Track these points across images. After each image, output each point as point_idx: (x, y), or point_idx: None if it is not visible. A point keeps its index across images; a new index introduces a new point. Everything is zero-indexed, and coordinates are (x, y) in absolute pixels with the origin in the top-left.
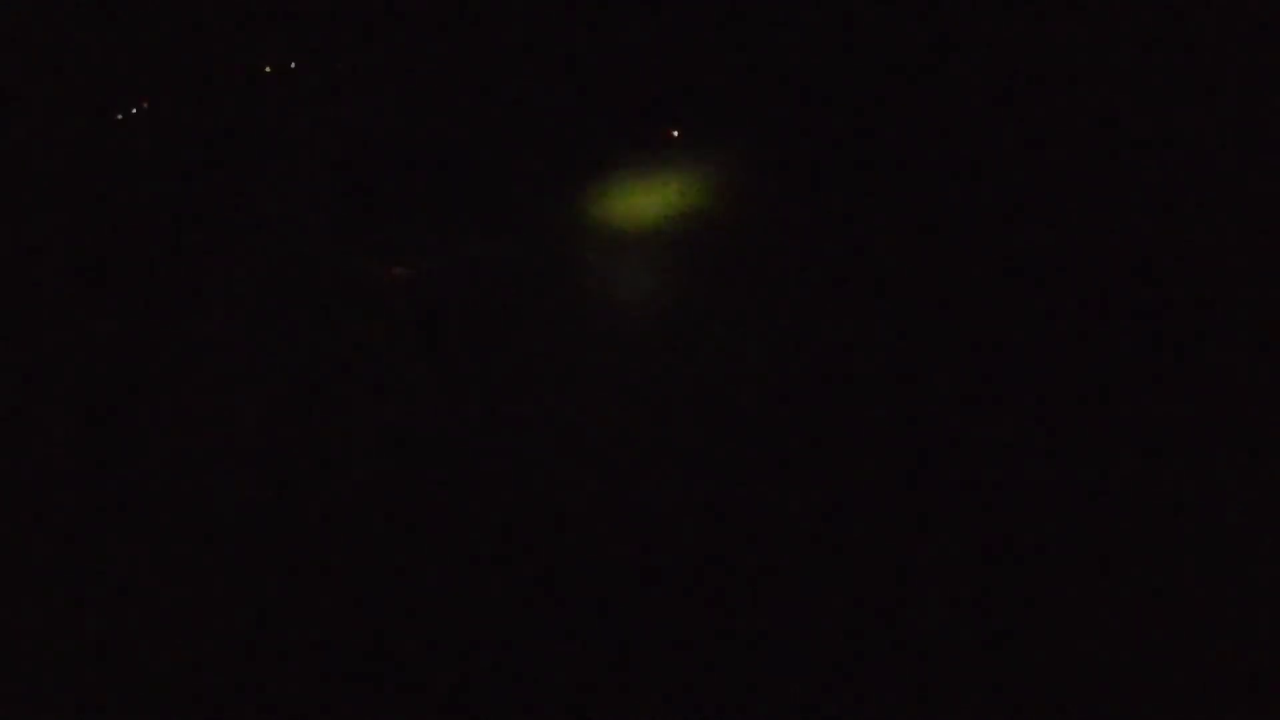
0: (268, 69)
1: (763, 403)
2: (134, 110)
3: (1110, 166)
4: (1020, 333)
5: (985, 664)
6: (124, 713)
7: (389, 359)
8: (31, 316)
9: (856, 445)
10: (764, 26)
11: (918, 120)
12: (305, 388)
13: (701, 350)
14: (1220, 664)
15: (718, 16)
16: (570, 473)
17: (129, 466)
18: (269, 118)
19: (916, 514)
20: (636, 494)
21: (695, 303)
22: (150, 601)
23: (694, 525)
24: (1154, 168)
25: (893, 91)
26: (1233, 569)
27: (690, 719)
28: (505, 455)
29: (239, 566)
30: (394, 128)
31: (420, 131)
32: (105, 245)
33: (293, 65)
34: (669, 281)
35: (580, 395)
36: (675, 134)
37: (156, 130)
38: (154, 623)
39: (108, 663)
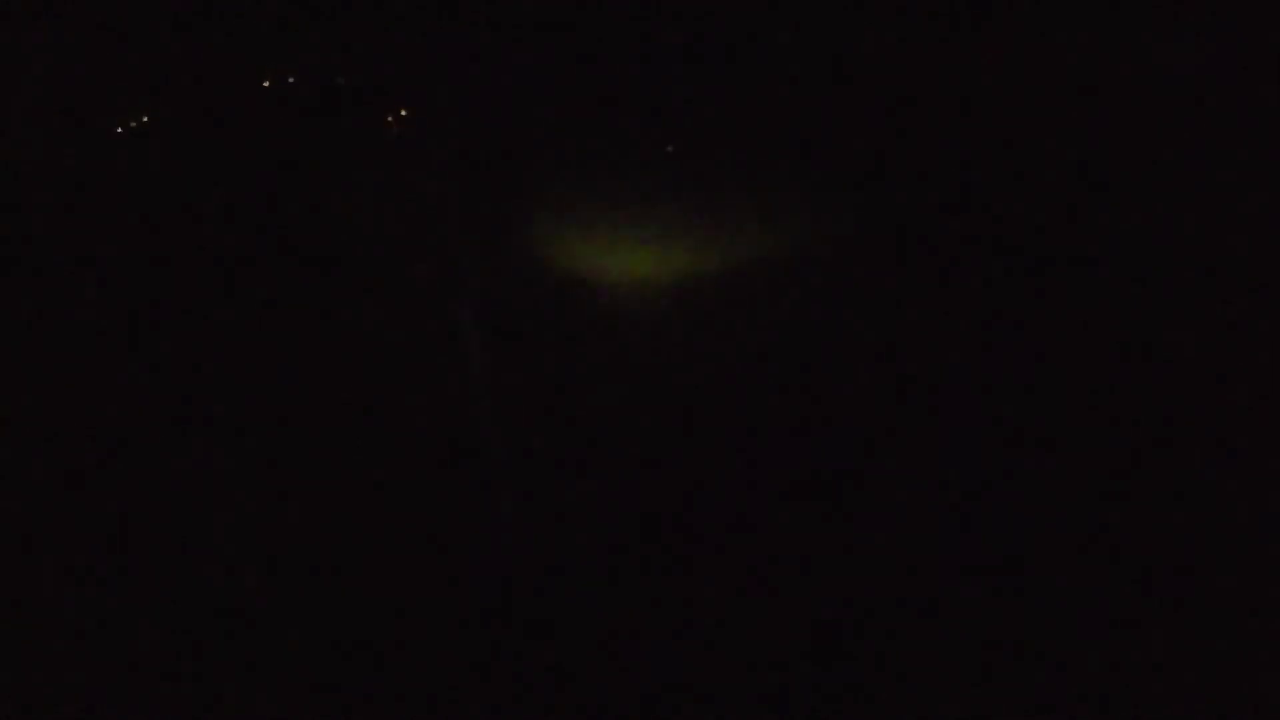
0: (273, 81)
1: (768, 408)
2: (147, 120)
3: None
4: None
5: (985, 664)
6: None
7: (407, 358)
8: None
9: (867, 454)
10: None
11: (928, 129)
12: (320, 386)
13: (709, 355)
14: (1220, 664)
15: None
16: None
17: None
18: (276, 128)
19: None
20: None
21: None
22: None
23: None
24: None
25: (898, 100)
26: (1233, 570)
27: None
28: (518, 458)
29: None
30: (414, 128)
31: (438, 129)
32: (142, 253)
33: (291, 80)
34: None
35: (588, 396)
36: (670, 149)
37: (173, 140)
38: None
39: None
